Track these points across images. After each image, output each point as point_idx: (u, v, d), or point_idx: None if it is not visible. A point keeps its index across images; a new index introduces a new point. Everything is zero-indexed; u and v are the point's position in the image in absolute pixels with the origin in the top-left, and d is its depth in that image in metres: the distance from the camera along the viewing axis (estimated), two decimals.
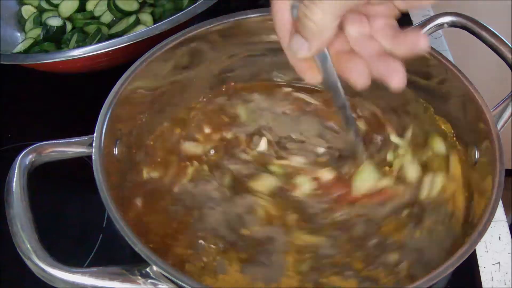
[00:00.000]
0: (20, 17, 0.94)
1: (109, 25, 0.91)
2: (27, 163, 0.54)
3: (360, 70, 0.49)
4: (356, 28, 0.50)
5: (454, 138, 0.65)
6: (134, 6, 0.91)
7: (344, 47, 0.51)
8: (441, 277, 0.48)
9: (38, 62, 0.77)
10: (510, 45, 0.64)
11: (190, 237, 0.60)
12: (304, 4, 0.45)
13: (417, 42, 0.46)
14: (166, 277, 0.48)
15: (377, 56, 0.49)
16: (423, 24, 0.67)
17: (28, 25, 0.93)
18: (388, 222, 0.61)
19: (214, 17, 0.66)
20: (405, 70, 0.47)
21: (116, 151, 0.59)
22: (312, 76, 0.52)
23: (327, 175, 0.64)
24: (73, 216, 0.71)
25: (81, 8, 0.93)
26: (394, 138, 0.67)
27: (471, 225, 0.56)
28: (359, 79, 0.49)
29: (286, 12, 0.48)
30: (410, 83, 0.66)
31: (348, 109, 0.56)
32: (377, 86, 0.49)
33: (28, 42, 0.89)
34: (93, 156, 0.54)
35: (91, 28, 0.89)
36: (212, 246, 0.59)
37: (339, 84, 0.52)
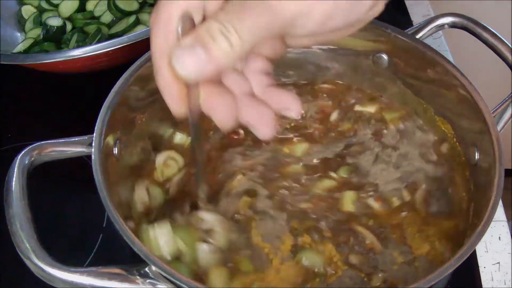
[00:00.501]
0: (20, 17, 0.94)
1: (109, 25, 0.91)
2: (26, 162, 0.54)
3: (227, 110, 0.44)
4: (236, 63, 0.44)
5: (454, 139, 0.65)
6: (134, 6, 0.91)
7: (216, 79, 0.44)
8: (441, 277, 0.48)
9: (38, 62, 0.77)
10: (510, 46, 0.64)
11: None
12: (221, 20, 0.38)
13: (289, 107, 0.44)
14: (165, 277, 0.48)
15: (249, 98, 0.45)
16: (424, 25, 0.67)
17: (28, 25, 0.93)
18: None
19: None
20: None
21: (115, 151, 0.59)
22: (179, 107, 0.44)
23: None
24: (73, 216, 0.71)
25: (81, 8, 0.93)
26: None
27: (471, 225, 0.56)
28: (224, 121, 0.44)
29: (173, 21, 0.41)
30: (410, 84, 0.67)
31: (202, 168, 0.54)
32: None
33: (28, 42, 0.89)
34: (93, 156, 0.54)
35: (91, 28, 0.89)
36: None
37: (197, 124, 0.47)
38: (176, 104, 0.44)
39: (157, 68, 0.42)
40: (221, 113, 0.44)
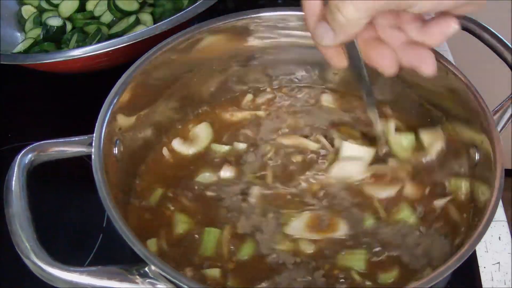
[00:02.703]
0: (20, 17, 0.94)
1: (109, 25, 0.91)
2: (26, 162, 0.54)
3: (388, 57, 0.51)
4: (385, 19, 0.51)
5: (455, 139, 0.65)
6: (134, 6, 0.91)
7: (371, 34, 0.52)
8: (441, 277, 0.48)
9: (38, 62, 0.77)
10: (511, 46, 0.64)
11: None
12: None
13: (448, 27, 0.48)
14: (164, 277, 0.48)
15: (405, 45, 0.50)
16: None
17: (28, 25, 0.93)
18: None
19: (214, 17, 0.66)
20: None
21: (115, 150, 0.59)
22: (339, 62, 0.53)
23: None
24: (73, 216, 0.71)
25: (81, 8, 0.93)
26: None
27: (471, 225, 0.56)
28: (387, 66, 0.51)
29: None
30: (410, 84, 0.67)
31: (372, 95, 0.59)
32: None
33: (28, 42, 0.89)
34: (93, 156, 0.54)
35: (91, 28, 0.89)
36: None
37: (364, 71, 0.54)
38: (331, 59, 0.54)
39: (310, 31, 0.51)
40: (383, 62, 0.51)
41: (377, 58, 0.52)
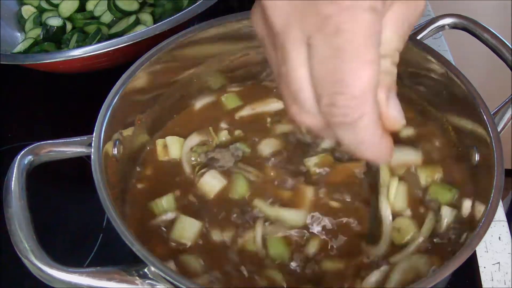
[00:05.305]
0: (20, 17, 0.94)
1: (109, 25, 0.91)
2: (26, 162, 0.54)
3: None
4: None
5: (455, 140, 0.65)
6: (134, 6, 0.91)
7: None
8: (441, 277, 0.48)
9: (38, 62, 0.77)
10: (510, 46, 0.64)
11: None
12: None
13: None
14: (164, 277, 0.48)
15: None
16: (424, 26, 0.67)
17: (28, 25, 0.93)
18: None
19: (214, 17, 0.66)
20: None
21: (115, 151, 0.59)
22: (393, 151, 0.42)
23: None
24: (73, 216, 0.71)
25: (81, 8, 0.93)
26: None
27: (471, 225, 0.56)
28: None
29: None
30: (410, 85, 0.67)
31: None
32: None
33: (28, 42, 0.89)
34: (92, 156, 0.54)
35: (91, 28, 0.89)
36: None
37: None
38: (391, 152, 0.41)
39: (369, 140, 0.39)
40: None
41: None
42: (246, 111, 0.71)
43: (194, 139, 0.68)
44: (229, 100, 0.72)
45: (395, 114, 0.40)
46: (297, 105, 0.39)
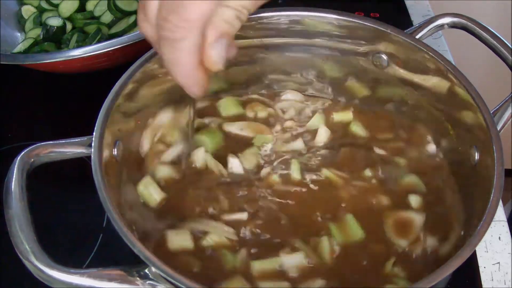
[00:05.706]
0: (20, 17, 0.94)
1: (109, 25, 0.91)
2: (26, 163, 0.54)
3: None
4: None
5: (455, 139, 0.65)
6: (134, 6, 0.91)
7: None
8: (441, 277, 0.48)
9: (38, 62, 0.77)
10: (510, 46, 0.64)
11: None
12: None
13: None
14: (165, 278, 0.48)
15: None
16: (423, 25, 0.67)
17: (28, 25, 0.93)
18: None
19: None
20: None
21: (115, 151, 0.59)
22: (202, 90, 0.48)
23: None
24: (73, 216, 0.71)
25: (81, 8, 0.93)
26: None
27: (471, 225, 0.56)
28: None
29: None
30: (410, 84, 0.67)
31: None
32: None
33: (28, 42, 0.89)
34: (92, 157, 0.54)
35: (91, 28, 0.89)
36: None
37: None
38: (201, 88, 0.47)
39: (182, 63, 0.45)
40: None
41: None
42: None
43: None
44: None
45: (213, 54, 0.45)
46: (143, 13, 0.45)
